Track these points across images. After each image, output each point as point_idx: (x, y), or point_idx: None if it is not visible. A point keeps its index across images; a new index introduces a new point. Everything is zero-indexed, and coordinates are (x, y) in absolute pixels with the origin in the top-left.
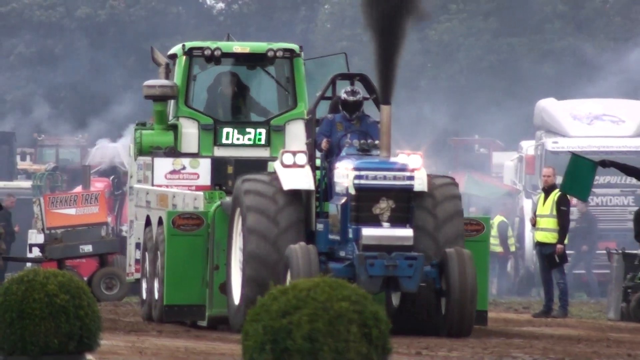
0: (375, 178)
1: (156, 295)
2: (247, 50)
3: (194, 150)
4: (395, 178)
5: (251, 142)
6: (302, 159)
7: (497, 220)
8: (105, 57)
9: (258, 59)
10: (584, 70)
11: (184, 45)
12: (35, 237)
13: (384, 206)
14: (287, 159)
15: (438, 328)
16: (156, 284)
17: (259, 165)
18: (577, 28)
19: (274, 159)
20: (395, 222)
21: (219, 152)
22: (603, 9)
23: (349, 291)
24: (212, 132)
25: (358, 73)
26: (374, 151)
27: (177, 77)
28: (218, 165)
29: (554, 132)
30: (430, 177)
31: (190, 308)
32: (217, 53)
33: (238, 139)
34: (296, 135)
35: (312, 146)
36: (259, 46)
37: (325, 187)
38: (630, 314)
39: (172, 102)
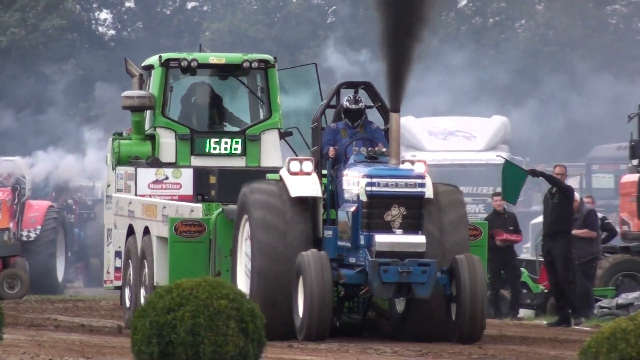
0: (387, 185)
1: (142, 303)
2: (223, 61)
3: (172, 159)
4: (407, 185)
5: (227, 152)
6: (308, 166)
7: None
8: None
9: (233, 70)
10: (442, 90)
11: (160, 57)
12: None
13: (395, 213)
14: (294, 166)
15: (446, 334)
16: (142, 292)
17: (243, 175)
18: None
19: (253, 168)
20: (407, 228)
21: (195, 161)
22: (456, 35)
23: (228, 290)
24: (189, 142)
25: (363, 82)
26: (382, 158)
27: (154, 87)
28: (200, 175)
29: (412, 147)
30: (434, 184)
31: None
32: (193, 64)
33: (215, 148)
34: (271, 144)
35: (318, 154)
36: (235, 57)
37: (331, 194)
38: None
39: (148, 113)
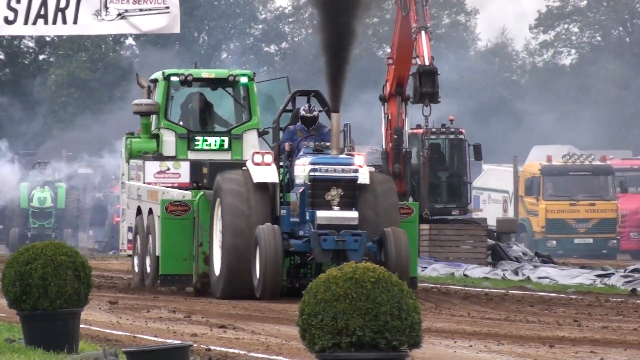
0: (327, 171)
1: (148, 269)
2: (212, 75)
3: (172, 153)
4: (343, 170)
5: (217, 147)
6: (269, 158)
7: None
8: None
9: (221, 82)
10: None
11: (163, 72)
12: None
13: (334, 193)
14: (257, 158)
15: None
16: (148, 260)
17: (228, 166)
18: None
19: (236, 161)
20: (344, 206)
21: (192, 155)
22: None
23: (67, 249)
24: (186, 140)
25: (313, 90)
26: (326, 151)
27: (158, 96)
28: (195, 167)
29: None
30: (371, 173)
31: (180, 277)
32: (189, 78)
33: (206, 144)
34: (251, 142)
35: (277, 149)
36: (222, 72)
37: (287, 181)
38: None
39: (153, 116)
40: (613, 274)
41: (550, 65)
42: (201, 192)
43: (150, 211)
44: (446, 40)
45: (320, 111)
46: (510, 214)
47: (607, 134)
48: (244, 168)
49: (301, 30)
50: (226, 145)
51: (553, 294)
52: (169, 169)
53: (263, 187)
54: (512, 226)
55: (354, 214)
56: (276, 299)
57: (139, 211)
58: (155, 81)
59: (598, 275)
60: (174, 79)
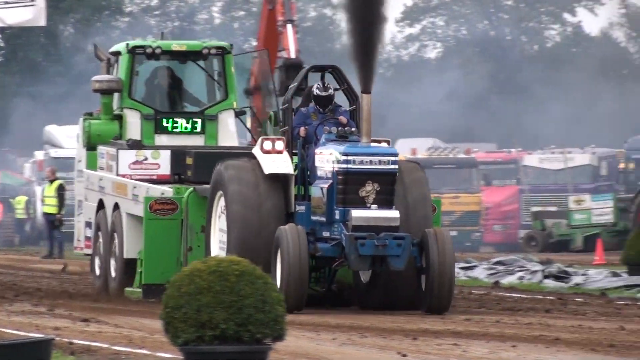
0: (362, 162)
1: (113, 272)
2: (184, 48)
3: (137, 137)
4: (380, 163)
5: (188, 130)
6: (280, 145)
7: (23, 199)
8: None
9: (193, 55)
10: None
11: (127, 44)
12: None
13: (369, 189)
14: (267, 145)
15: (414, 304)
16: (112, 262)
17: (218, 157)
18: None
19: (227, 150)
20: (381, 204)
21: (159, 139)
22: None
23: None
24: (153, 121)
25: (331, 65)
26: (351, 137)
27: (121, 72)
28: (177, 156)
29: (56, 145)
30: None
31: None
32: (157, 51)
33: (176, 127)
34: (227, 123)
35: (290, 134)
36: (195, 44)
37: (302, 171)
38: None
39: (116, 95)
40: (476, 266)
41: (416, 59)
42: (191, 188)
43: (116, 206)
44: (312, 33)
45: (336, 89)
46: None
47: (473, 127)
48: (250, 157)
49: (167, 22)
50: (199, 128)
51: None
52: (146, 159)
53: (274, 178)
54: None
55: (394, 213)
56: (301, 310)
57: (100, 205)
58: (117, 54)
59: (461, 268)
60: (139, 51)
